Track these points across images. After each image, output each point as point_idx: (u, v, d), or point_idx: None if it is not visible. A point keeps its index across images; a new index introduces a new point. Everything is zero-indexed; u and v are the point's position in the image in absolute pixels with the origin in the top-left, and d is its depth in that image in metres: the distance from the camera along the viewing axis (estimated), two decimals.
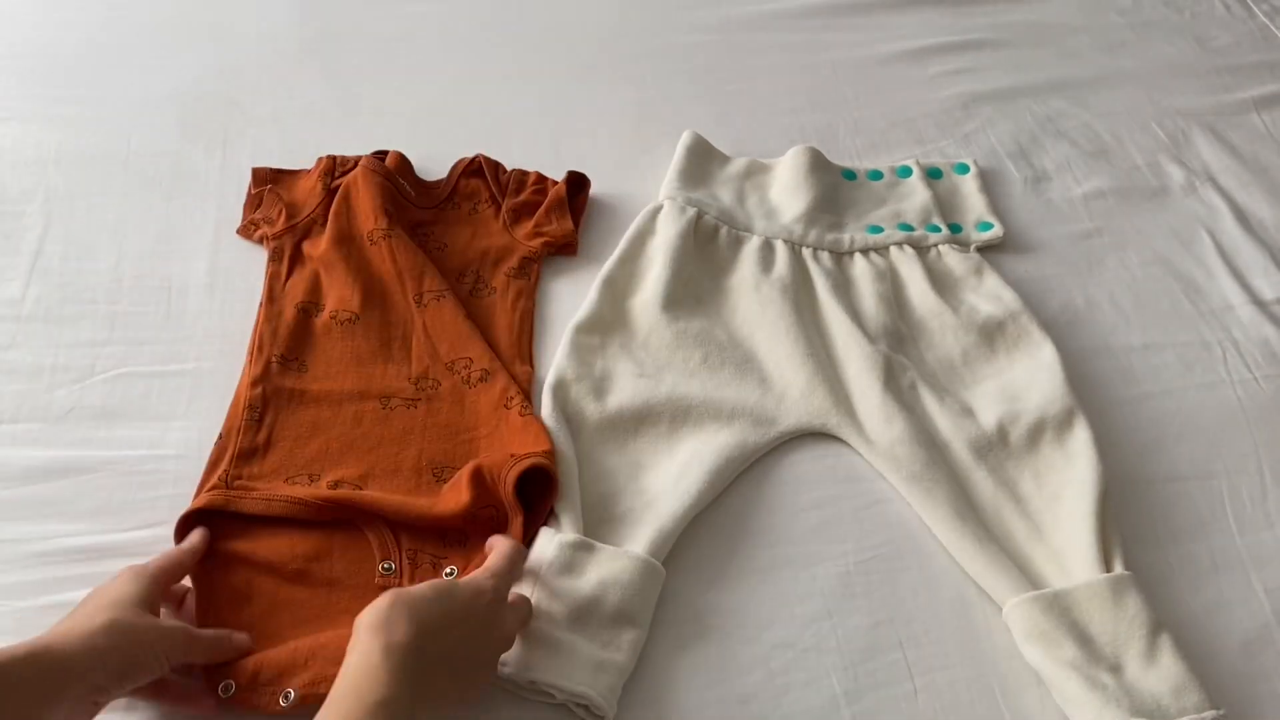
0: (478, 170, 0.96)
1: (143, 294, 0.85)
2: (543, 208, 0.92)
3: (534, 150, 1.00)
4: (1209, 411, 0.85)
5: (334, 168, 0.93)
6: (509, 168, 0.96)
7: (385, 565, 0.69)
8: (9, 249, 0.88)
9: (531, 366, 0.83)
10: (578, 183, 0.95)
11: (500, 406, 0.78)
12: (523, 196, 0.93)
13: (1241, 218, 1.00)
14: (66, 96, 1.01)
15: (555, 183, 0.94)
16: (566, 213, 0.92)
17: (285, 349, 0.81)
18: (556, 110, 1.06)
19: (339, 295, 0.84)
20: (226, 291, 0.86)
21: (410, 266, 0.85)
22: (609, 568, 0.69)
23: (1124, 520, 0.76)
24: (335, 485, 0.73)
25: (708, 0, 1.20)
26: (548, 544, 0.70)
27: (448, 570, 0.70)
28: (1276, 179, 1.05)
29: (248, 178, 0.94)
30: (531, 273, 0.89)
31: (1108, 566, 0.72)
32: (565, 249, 0.91)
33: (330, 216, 0.88)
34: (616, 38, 1.15)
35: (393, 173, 0.91)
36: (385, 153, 0.94)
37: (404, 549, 0.70)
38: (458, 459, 0.76)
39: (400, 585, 0.68)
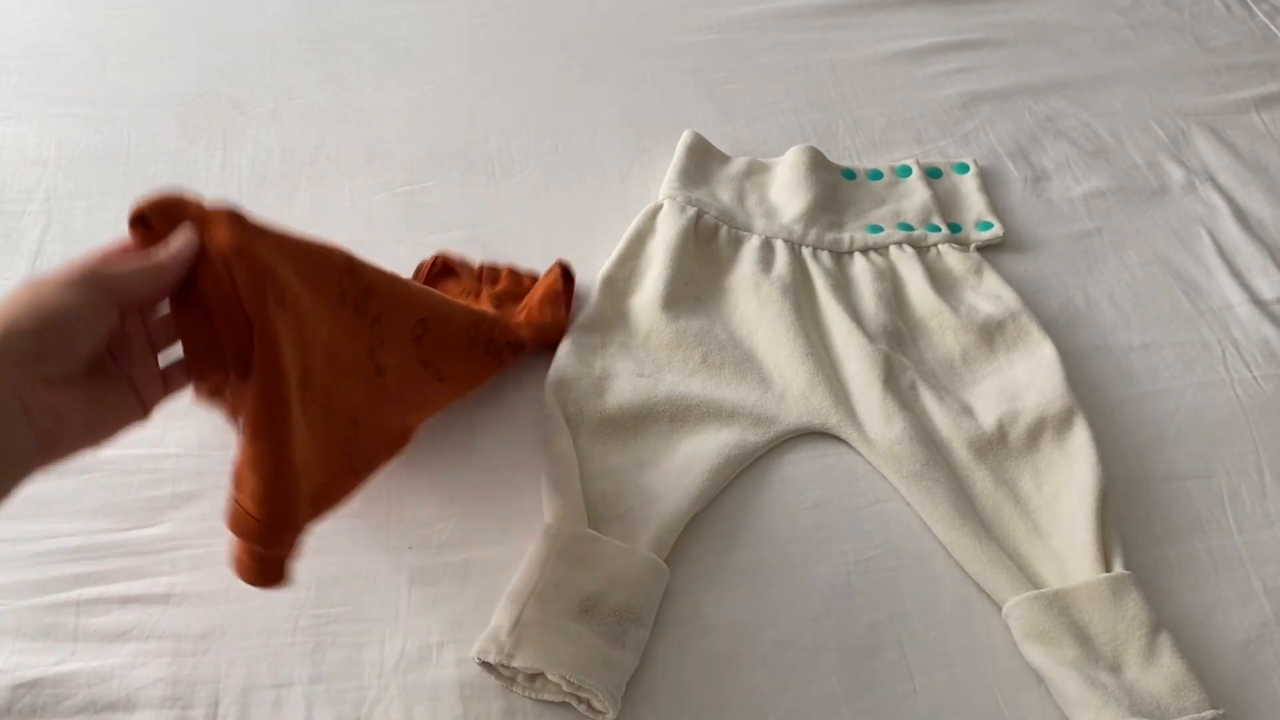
0: (442, 271, 0.87)
1: None
2: (539, 300, 0.83)
3: (534, 150, 1.01)
4: (1208, 411, 0.85)
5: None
6: (486, 255, 0.88)
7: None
8: (9, 249, 0.88)
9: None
10: (564, 274, 0.85)
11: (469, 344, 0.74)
12: (500, 286, 0.86)
13: (1241, 217, 1.00)
14: (66, 96, 1.01)
15: (531, 276, 0.87)
16: (561, 304, 0.84)
17: None
18: (556, 110, 1.05)
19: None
20: None
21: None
22: (617, 564, 0.69)
23: (1124, 520, 0.76)
24: None
25: (708, 0, 1.20)
26: (556, 535, 0.70)
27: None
28: (1276, 179, 1.05)
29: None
30: (506, 358, 0.80)
31: (1107, 566, 0.72)
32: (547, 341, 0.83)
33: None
34: (616, 38, 1.15)
35: None
36: None
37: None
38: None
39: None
